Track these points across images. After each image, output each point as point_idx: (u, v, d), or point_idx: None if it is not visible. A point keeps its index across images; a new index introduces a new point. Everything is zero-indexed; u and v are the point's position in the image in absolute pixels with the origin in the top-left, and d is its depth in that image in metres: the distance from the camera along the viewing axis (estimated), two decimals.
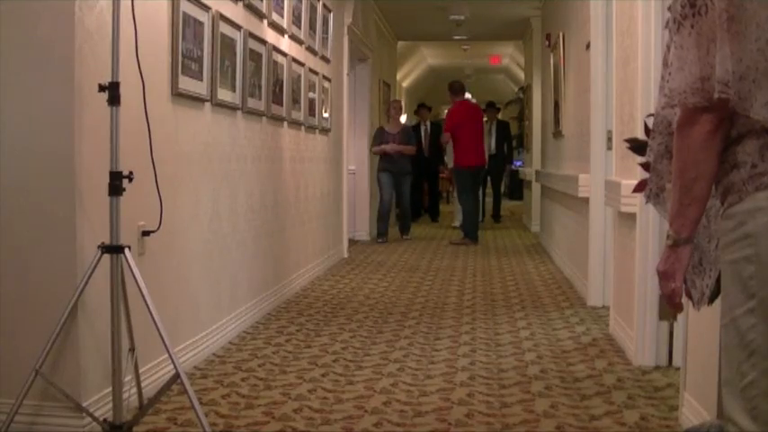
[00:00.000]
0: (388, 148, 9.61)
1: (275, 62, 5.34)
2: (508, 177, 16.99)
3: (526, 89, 13.06)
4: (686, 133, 1.64)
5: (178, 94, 3.72)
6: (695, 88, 1.60)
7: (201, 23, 3.98)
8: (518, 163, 16.35)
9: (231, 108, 4.52)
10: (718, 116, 1.60)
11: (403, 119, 10.19)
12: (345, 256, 8.24)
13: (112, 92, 2.73)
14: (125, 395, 2.87)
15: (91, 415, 2.85)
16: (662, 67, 1.73)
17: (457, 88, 9.84)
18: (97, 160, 2.88)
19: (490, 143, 12.63)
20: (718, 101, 1.58)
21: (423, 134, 12.69)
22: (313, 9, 6.54)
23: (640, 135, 2.93)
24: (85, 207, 2.91)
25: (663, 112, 1.80)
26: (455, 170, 9.90)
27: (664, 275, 1.74)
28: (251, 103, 4.83)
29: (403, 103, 10.24)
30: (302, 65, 6.16)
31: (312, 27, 6.52)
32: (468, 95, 11.31)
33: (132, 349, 2.93)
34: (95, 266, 2.75)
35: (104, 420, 2.81)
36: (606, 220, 5.33)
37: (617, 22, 4.61)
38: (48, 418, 2.87)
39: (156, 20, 3.50)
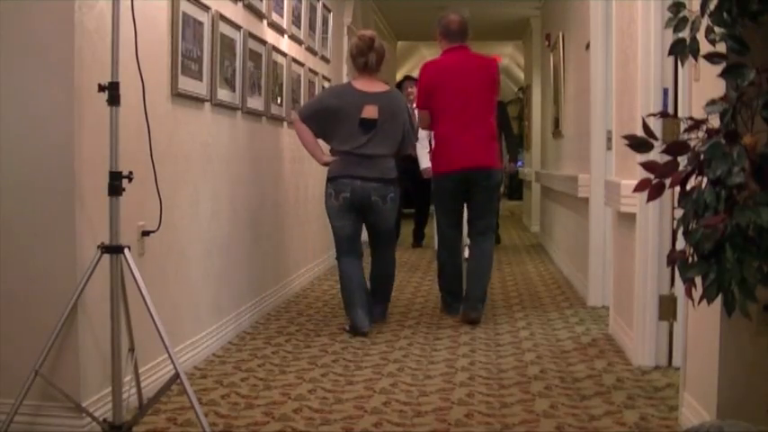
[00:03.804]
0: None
1: (275, 62, 5.34)
2: (507, 177, 16.89)
3: (526, 89, 13.07)
4: None
5: (178, 95, 3.72)
6: None
7: (201, 23, 3.98)
8: (518, 163, 16.34)
9: (231, 108, 4.52)
10: None
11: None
12: None
13: (112, 92, 2.73)
14: (125, 395, 2.87)
15: (91, 415, 2.85)
16: None
17: None
18: (97, 160, 2.88)
19: None
20: None
21: None
22: (313, 9, 6.54)
23: (640, 135, 2.92)
24: (85, 207, 2.91)
25: None
26: None
27: None
28: (251, 103, 4.83)
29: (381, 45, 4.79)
30: (302, 65, 6.16)
31: (312, 27, 6.52)
32: None
33: (132, 349, 2.93)
34: (95, 266, 2.75)
35: (104, 420, 2.82)
36: (606, 220, 5.33)
37: (617, 22, 4.61)
38: (48, 419, 2.87)
39: (156, 20, 3.50)
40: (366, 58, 4.70)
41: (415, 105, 5.37)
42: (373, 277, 5.00)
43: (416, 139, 5.09)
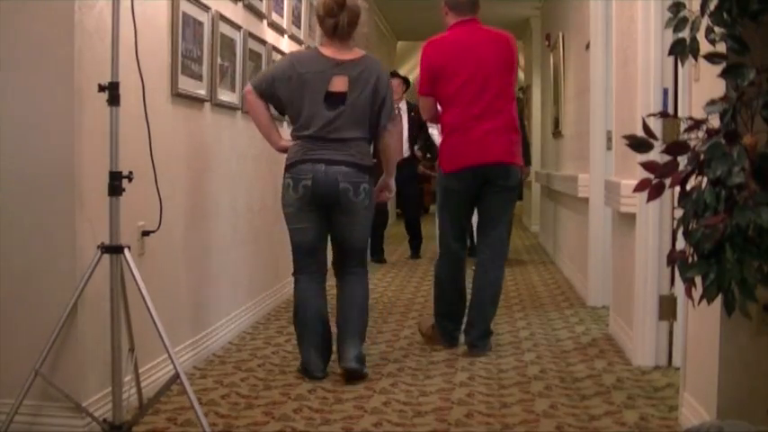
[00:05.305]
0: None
1: (275, 62, 5.34)
2: None
3: (526, 89, 13.07)
4: None
5: (178, 95, 3.72)
6: None
7: (201, 23, 3.98)
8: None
9: (231, 108, 4.52)
10: None
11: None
12: None
13: (112, 92, 2.73)
14: (125, 395, 2.87)
15: (91, 415, 2.85)
16: None
17: None
18: (97, 160, 2.88)
19: None
20: None
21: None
22: (313, 9, 6.54)
23: (640, 135, 2.92)
24: (85, 207, 2.91)
25: None
26: None
27: None
28: None
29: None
30: None
31: (312, 27, 6.52)
32: None
33: (132, 349, 2.93)
34: (95, 266, 2.75)
35: (104, 420, 2.82)
36: (606, 220, 5.33)
37: (617, 22, 4.61)
38: (48, 418, 2.87)
39: (155, 20, 3.50)
40: (336, 20, 3.71)
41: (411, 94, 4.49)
42: (341, 313, 3.89)
43: (393, 122, 3.86)
